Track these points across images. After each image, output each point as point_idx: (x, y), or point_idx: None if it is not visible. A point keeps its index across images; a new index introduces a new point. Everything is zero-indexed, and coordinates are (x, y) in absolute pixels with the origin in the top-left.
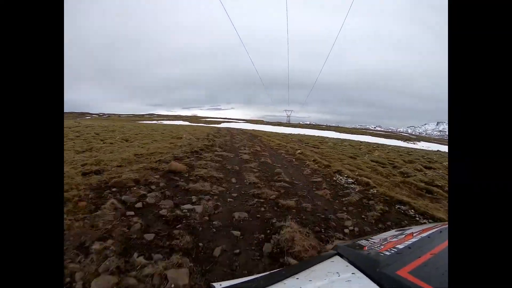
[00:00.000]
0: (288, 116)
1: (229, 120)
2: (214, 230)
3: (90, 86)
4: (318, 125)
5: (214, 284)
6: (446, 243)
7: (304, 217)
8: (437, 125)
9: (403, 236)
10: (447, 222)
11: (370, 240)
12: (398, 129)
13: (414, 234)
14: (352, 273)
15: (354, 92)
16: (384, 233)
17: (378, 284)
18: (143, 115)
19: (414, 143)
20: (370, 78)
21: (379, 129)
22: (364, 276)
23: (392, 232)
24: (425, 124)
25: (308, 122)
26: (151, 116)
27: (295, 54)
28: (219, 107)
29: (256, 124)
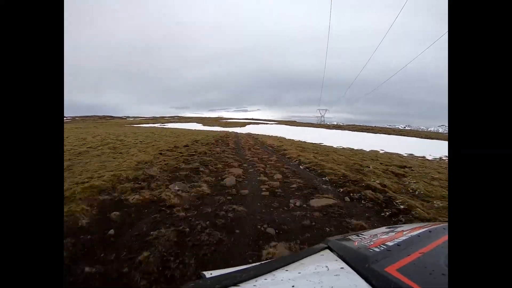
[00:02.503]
0: (322, 116)
1: (255, 121)
2: None
3: (117, 90)
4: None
5: (205, 272)
6: (435, 243)
7: None
8: None
9: (394, 233)
10: (437, 223)
11: (361, 235)
12: (429, 128)
13: (404, 232)
14: (341, 268)
15: (381, 90)
16: (375, 229)
17: (366, 280)
18: (163, 117)
19: None
20: (400, 76)
21: (408, 128)
22: (353, 271)
23: (383, 229)
24: None
25: (335, 123)
26: (172, 118)
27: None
28: (245, 108)
29: (290, 125)
